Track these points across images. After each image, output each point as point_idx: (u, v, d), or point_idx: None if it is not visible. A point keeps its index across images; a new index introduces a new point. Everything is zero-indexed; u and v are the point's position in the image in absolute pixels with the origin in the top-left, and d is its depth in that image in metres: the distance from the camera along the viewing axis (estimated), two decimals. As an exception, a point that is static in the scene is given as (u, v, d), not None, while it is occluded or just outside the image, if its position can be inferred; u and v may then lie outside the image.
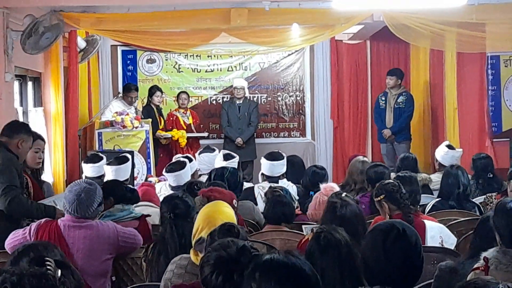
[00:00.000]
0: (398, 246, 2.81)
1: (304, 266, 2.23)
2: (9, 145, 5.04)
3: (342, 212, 4.02)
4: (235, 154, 7.10)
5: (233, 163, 6.82)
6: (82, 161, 7.26)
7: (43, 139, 5.56)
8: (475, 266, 2.70)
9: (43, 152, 5.52)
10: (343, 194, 4.35)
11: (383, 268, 2.80)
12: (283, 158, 6.60)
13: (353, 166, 6.54)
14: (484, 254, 2.73)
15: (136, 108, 9.81)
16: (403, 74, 10.19)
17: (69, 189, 4.35)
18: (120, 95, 9.93)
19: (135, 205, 5.28)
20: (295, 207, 5.56)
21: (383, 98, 10.13)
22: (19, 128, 5.23)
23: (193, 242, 3.74)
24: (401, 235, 2.83)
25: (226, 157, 6.93)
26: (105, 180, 6.55)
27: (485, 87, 9.35)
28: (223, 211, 3.84)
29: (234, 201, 4.90)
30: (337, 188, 5.29)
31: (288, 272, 2.19)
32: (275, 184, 6.11)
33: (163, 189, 6.57)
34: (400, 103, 9.93)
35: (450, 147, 7.33)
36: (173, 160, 7.29)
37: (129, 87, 9.98)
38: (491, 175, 6.74)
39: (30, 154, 5.31)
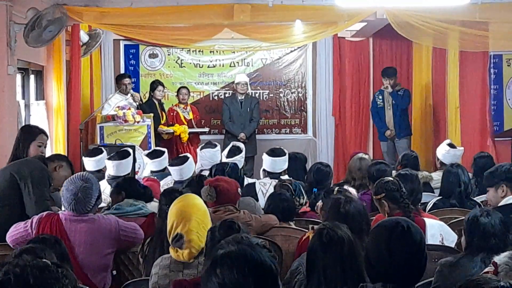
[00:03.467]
0: (402, 243, 2.80)
1: (256, 252, 2.22)
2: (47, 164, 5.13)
3: (346, 209, 3.99)
4: (242, 147, 7.10)
5: (239, 158, 6.84)
6: (83, 155, 7.26)
7: (46, 134, 5.56)
8: (485, 270, 2.71)
9: (45, 147, 5.53)
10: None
11: (387, 265, 2.79)
12: (285, 155, 6.61)
13: (352, 163, 6.56)
14: (495, 258, 2.73)
15: (133, 96, 9.80)
16: (396, 70, 10.20)
17: (66, 188, 4.31)
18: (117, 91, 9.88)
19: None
20: (304, 203, 5.56)
21: (380, 97, 10.13)
22: (62, 157, 5.51)
23: (169, 240, 3.72)
24: (405, 232, 2.82)
25: (233, 152, 6.94)
26: (106, 174, 6.57)
27: (487, 86, 9.31)
28: (195, 204, 3.82)
29: (239, 189, 4.92)
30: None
31: (246, 261, 2.18)
32: (285, 177, 6.12)
33: (167, 185, 6.57)
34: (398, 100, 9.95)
35: (451, 145, 7.32)
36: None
37: (122, 75, 10.05)
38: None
39: (33, 148, 5.32)
